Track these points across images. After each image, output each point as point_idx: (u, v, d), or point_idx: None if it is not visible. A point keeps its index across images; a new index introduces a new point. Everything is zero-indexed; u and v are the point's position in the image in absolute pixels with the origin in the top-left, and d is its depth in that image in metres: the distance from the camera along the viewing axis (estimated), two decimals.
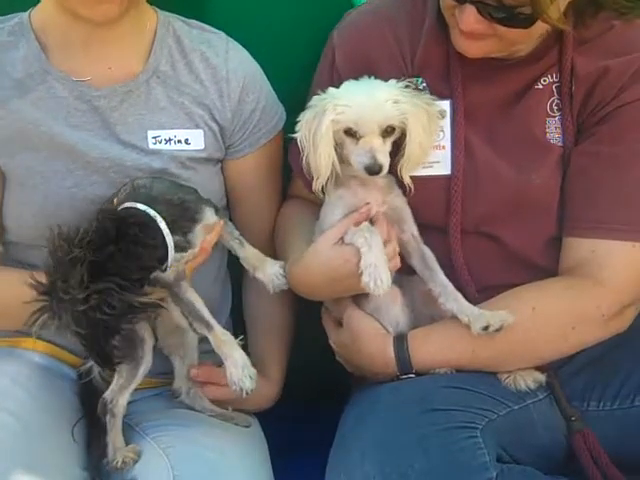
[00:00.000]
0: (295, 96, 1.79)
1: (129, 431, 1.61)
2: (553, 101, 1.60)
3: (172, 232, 1.47)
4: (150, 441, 1.57)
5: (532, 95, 1.60)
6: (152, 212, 1.46)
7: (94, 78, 1.63)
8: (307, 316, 1.76)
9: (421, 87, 1.63)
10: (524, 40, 1.52)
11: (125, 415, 1.60)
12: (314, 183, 1.56)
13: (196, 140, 1.67)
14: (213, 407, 1.67)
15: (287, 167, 1.83)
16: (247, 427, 1.67)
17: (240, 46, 1.74)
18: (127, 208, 1.46)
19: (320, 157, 1.51)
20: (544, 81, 1.60)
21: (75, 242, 1.37)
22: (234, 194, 1.78)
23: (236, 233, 1.66)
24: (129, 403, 1.61)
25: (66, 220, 1.58)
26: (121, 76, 1.64)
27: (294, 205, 1.82)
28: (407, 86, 1.55)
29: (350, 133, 1.51)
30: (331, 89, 1.55)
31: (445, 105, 1.62)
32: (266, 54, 1.78)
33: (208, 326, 1.54)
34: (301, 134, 1.55)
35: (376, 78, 1.58)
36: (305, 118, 1.55)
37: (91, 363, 1.62)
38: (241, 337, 1.56)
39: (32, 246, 1.67)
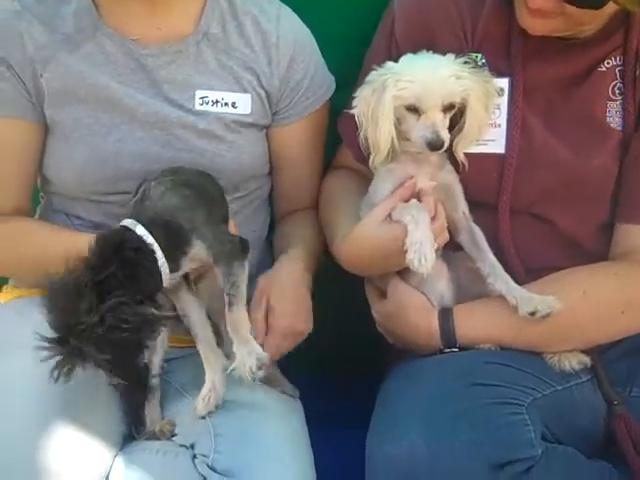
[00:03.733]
0: (347, 66, 1.78)
1: (169, 389, 1.62)
2: (615, 84, 1.58)
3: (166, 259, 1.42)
4: (190, 399, 1.57)
5: (594, 77, 1.59)
6: (150, 239, 1.41)
7: (143, 37, 1.63)
8: (344, 286, 1.74)
9: (480, 63, 1.61)
10: (592, 20, 1.50)
11: (165, 373, 1.60)
12: (372, 158, 1.55)
13: (243, 104, 1.67)
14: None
15: (330, 137, 1.82)
16: (293, 397, 1.66)
17: (292, 12, 1.73)
18: (125, 231, 1.42)
19: (380, 133, 1.49)
20: (607, 63, 1.58)
21: (72, 270, 1.35)
22: (277, 161, 1.78)
23: (233, 290, 1.44)
24: (168, 361, 1.61)
25: (109, 177, 1.62)
26: (170, 36, 1.64)
27: (340, 177, 1.81)
28: (466, 62, 1.53)
29: (411, 109, 1.49)
30: (389, 63, 1.54)
31: (503, 83, 1.60)
32: (319, 22, 1.77)
33: (197, 337, 1.52)
34: (359, 109, 1.53)
35: (435, 51, 1.57)
36: (363, 93, 1.53)
37: None
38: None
39: (76, 198, 1.68)
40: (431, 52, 1.55)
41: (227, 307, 1.43)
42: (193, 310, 1.54)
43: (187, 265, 1.47)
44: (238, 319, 1.44)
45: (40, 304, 1.37)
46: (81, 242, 1.40)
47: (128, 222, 1.43)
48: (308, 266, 1.67)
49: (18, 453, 1.36)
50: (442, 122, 1.49)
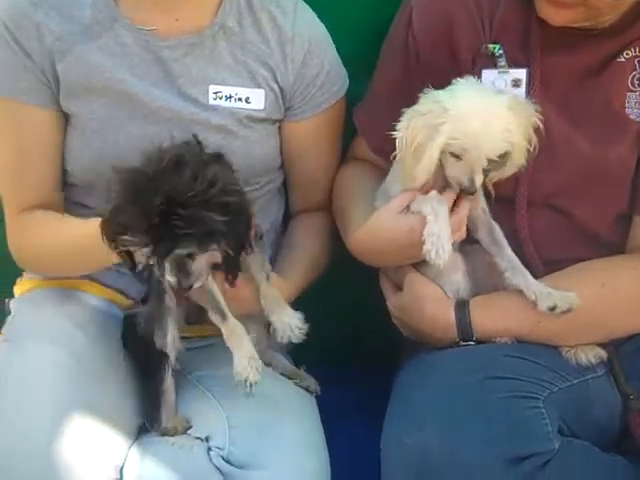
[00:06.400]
0: (362, 57, 1.78)
1: (183, 380, 1.62)
2: (635, 75, 1.57)
3: None
4: (204, 391, 1.59)
5: (613, 68, 1.57)
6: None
7: (160, 28, 1.61)
8: (359, 278, 1.74)
9: (498, 54, 1.60)
10: (612, 11, 1.48)
11: (180, 364, 1.60)
12: (406, 181, 1.53)
13: (257, 100, 1.65)
14: (286, 366, 1.68)
15: (347, 129, 1.81)
16: (313, 393, 1.67)
17: (309, 8, 1.71)
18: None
19: (420, 170, 1.48)
20: (627, 54, 1.57)
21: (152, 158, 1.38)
22: (290, 155, 1.76)
23: (267, 267, 1.60)
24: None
25: None
26: (187, 28, 1.63)
27: (356, 167, 1.80)
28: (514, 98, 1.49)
29: (455, 154, 1.48)
30: (443, 97, 1.47)
31: (521, 74, 1.59)
32: (334, 13, 1.76)
33: (224, 316, 1.53)
34: (403, 135, 1.49)
35: (453, 42, 1.58)
36: (412, 123, 1.48)
37: (138, 308, 1.62)
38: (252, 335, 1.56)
39: (91, 188, 1.67)
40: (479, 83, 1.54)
41: (264, 282, 1.57)
42: (216, 287, 1.54)
43: None
44: (274, 294, 1.57)
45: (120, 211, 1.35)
46: (91, 228, 1.42)
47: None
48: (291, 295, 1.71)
49: (34, 444, 1.37)
50: (480, 169, 1.48)
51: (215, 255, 1.42)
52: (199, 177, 1.33)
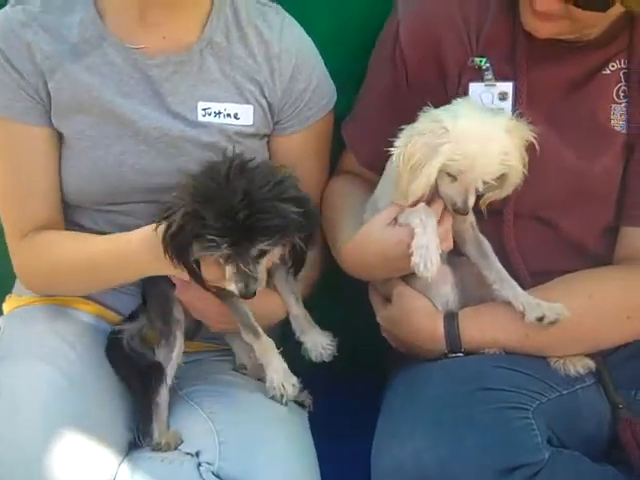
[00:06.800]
0: (349, 70, 1.79)
1: (174, 395, 1.61)
2: (620, 87, 1.58)
3: None
4: (194, 406, 1.59)
5: (598, 80, 1.58)
6: None
7: (148, 47, 1.61)
8: (347, 292, 1.75)
9: (484, 67, 1.60)
10: (597, 23, 1.50)
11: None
12: (399, 198, 1.53)
13: (245, 115, 1.65)
14: None
15: (335, 143, 1.81)
16: (306, 408, 1.67)
17: (296, 22, 1.71)
18: None
19: (415, 187, 1.48)
20: (612, 66, 1.58)
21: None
22: None
23: (295, 288, 1.65)
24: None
25: (112, 188, 1.62)
26: (175, 46, 1.62)
27: (344, 181, 1.80)
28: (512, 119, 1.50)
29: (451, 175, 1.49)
30: (444, 117, 1.47)
31: (507, 87, 1.60)
32: (321, 26, 1.76)
33: (256, 333, 1.57)
34: (401, 152, 1.49)
35: (441, 55, 1.59)
36: (413, 140, 1.47)
37: (125, 325, 1.64)
38: (280, 349, 1.59)
39: (79, 207, 1.67)
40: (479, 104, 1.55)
41: (295, 303, 1.64)
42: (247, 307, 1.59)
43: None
44: (304, 314, 1.64)
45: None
46: (133, 241, 1.52)
47: None
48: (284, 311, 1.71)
49: (24, 460, 1.37)
50: (474, 190, 1.49)
51: (282, 250, 1.49)
52: (270, 176, 1.41)
